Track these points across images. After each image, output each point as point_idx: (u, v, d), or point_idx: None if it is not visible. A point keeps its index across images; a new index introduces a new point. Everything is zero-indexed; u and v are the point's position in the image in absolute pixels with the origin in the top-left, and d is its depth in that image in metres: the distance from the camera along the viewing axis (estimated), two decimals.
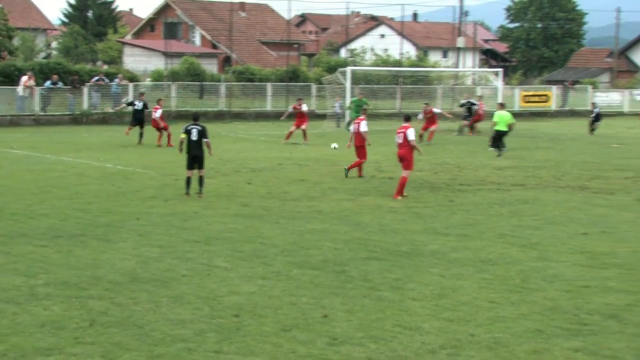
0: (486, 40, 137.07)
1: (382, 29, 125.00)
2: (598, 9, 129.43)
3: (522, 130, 48.14)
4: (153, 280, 14.96)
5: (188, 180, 24.66)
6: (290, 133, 41.77)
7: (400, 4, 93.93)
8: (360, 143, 29.48)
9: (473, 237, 19.19)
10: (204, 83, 63.70)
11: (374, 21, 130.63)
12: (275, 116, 59.48)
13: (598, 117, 49.71)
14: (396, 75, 68.86)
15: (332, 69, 69.14)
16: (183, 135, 24.79)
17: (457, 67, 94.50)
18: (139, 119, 41.12)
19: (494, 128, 37.45)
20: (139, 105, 41.70)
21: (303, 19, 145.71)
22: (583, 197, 25.56)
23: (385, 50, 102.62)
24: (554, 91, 71.07)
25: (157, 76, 67.36)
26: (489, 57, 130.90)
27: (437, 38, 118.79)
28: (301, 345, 11.60)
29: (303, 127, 41.63)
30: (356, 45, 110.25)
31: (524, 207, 23.50)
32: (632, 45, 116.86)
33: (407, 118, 25.94)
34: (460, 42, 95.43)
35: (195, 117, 25.26)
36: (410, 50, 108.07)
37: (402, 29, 78.91)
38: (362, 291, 14.42)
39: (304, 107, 42.58)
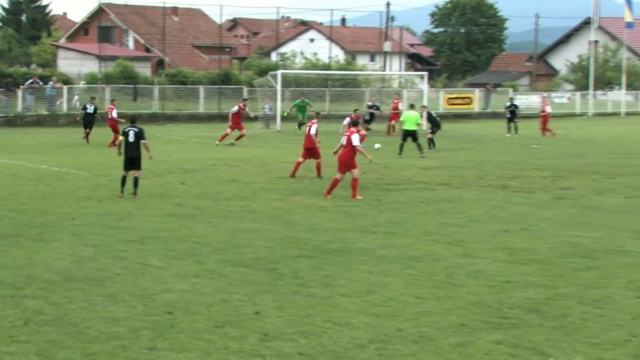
0: (412, 45, 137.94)
1: (312, 34, 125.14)
2: (518, 15, 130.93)
3: (447, 131, 48.52)
4: (87, 279, 14.80)
5: (123, 180, 24.46)
6: (226, 135, 41.68)
7: (329, 9, 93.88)
8: (311, 145, 29.35)
9: (400, 235, 19.29)
10: (137, 86, 63.22)
11: (304, 26, 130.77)
12: (208, 118, 59.32)
13: (513, 114, 49.94)
14: (325, 78, 68.98)
15: (263, 72, 69.11)
16: (121, 137, 24.67)
17: (384, 70, 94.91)
18: (89, 121, 42.07)
19: (402, 127, 37.79)
20: (90, 108, 42.61)
21: (235, 23, 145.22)
22: (504, 195, 25.85)
23: (315, 54, 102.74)
24: (477, 94, 71.84)
25: (91, 79, 66.67)
26: (415, 60, 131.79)
27: (364, 42, 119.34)
28: (233, 341, 11.56)
29: (243, 130, 41.80)
30: (286, 49, 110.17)
31: (449, 206, 23.69)
32: (550, 49, 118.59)
33: (355, 123, 25.79)
34: (387, 46, 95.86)
35: (133, 120, 25.20)
36: (339, 54, 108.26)
37: (331, 34, 79.12)
38: (293, 288, 14.42)
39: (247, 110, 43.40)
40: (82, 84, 63.84)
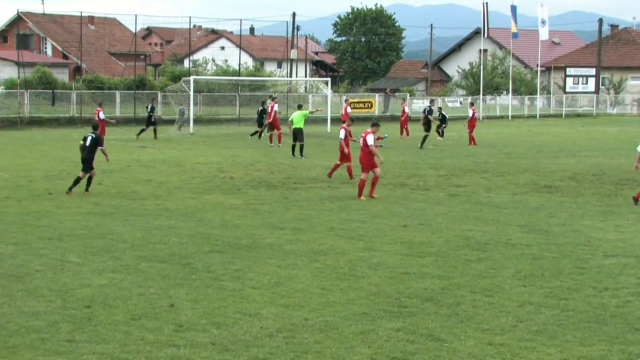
0: (316, 53, 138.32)
1: (222, 42, 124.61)
2: (414, 25, 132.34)
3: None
4: (8, 276, 14.48)
5: (77, 180, 24.65)
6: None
7: (238, 19, 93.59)
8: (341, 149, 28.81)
9: (306, 231, 19.32)
10: (55, 91, 62.11)
11: (215, 34, 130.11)
12: (125, 122, 58.58)
13: (444, 119, 49.13)
14: (235, 84, 68.75)
15: (176, 79, 68.57)
16: (81, 142, 25.04)
17: (290, 76, 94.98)
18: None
19: (292, 127, 37.45)
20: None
21: (149, 31, 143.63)
22: (403, 193, 26.08)
23: (226, 61, 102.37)
24: (377, 98, 72.41)
25: (10, 84, 65.30)
26: (319, 67, 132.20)
27: (272, 50, 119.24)
28: (149, 333, 11.43)
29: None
30: (198, 56, 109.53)
31: (352, 203, 23.79)
32: (444, 57, 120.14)
33: (374, 124, 25.36)
34: (293, 54, 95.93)
35: (94, 127, 25.94)
36: (248, 61, 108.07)
37: (240, 42, 78.89)
38: (205, 281, 14.33)
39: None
40: (1, 90, 62.48)
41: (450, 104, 79.89)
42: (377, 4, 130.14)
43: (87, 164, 24.71)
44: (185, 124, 52.88)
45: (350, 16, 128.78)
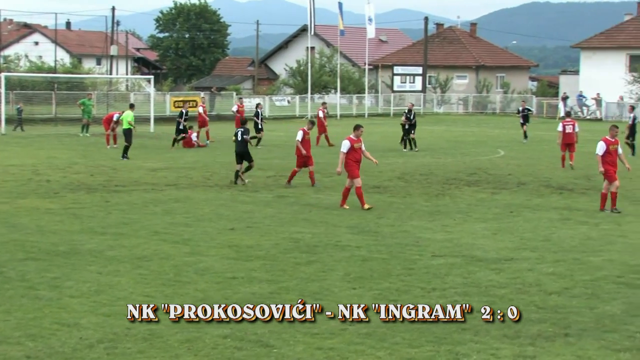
0: (138, 49, 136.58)
1: (36, 37, 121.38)
2: (240, 22, 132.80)
3: (172, 134, 48.20)
4: None
5: None
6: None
7: (53, 12, 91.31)
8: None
9: (129, 235, 19.06)
10: None
11: (28, 29, 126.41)
12: None
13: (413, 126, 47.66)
14: (51, 81, 67.07)
15: None
16: None
17: (110, 74, 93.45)
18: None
19: (122, 127, 37.56)
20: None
21: None
22: (230, 195, 26.09)
23: (40, 57, 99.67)
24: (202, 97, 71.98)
25: None
26: (141, 64, 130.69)
27: (90, 46, 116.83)
28: None
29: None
30: (10, 51, 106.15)
31: (177, 206, 23.64)
32: (270, 55, 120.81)
33: (357, 126, 24.21)
34: (113, 50, 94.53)
35: None
36: (65, 58, 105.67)
37: (56, 37, 76.95)
38: (19, 291, 13.91)
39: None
40: None
41: (278, 103, 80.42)
42: None
43: None
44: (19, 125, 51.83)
45: (173, 11, 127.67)
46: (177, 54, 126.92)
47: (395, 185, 28.65)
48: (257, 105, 49.50)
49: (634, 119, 41.48)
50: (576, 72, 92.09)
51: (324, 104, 52.12)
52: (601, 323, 12.63)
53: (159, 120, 59.56)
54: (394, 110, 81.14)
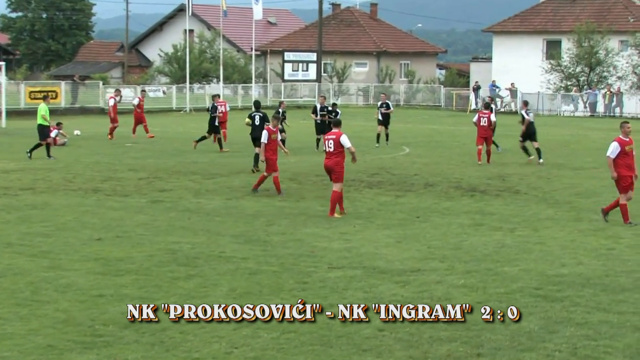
0: None
1: None
2: (106, 0, 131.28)
3: (28, 129, 47.42)
4: None
5: None
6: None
7: None
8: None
9: None
10: None
11: None
12: None
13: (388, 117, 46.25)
14: None
15: None
16: None
17: None
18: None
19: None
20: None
21: None
22: (96, 200, 25.81)
23: None
24: (63, 87, 70.91)
25: None
26: None
27: None
28: None
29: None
30: None
31: (34, 213, 23.28)
32: (143, 39, 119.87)
33: (338, 123, 24.08)
34: None
35: None
36: None
37: None
38: None
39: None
40: None
41: (152, 94, 79.68)
42: None
43: None
44: None
45: None
46: (32, 37, 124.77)
47: (287, 188, 28.68)
48: (280, 103, 44.88)
49: (524, 115, 37.06)
50: (489, 59, 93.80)
51: (143, 91, 57.72)
52: (517, 341, 12.91)
53: (12, 114, 58.48)
54: (286, 102, 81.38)
